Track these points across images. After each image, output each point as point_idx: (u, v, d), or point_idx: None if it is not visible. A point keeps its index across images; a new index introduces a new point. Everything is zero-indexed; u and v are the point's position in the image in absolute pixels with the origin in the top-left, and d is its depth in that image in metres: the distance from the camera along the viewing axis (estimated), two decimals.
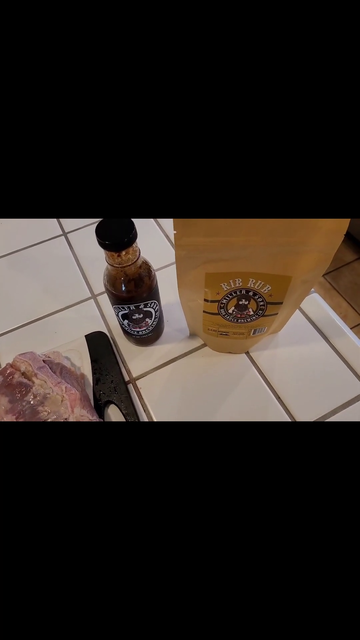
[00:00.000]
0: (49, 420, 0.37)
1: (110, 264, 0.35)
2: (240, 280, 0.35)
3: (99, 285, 0.54)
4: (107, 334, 0.48)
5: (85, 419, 0.37)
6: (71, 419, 0.37)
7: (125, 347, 0.48)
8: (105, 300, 0.52)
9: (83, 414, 0.38)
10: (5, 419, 0.38)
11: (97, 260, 0.56)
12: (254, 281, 0.35)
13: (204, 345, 0.47)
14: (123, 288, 0.37)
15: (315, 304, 0.50)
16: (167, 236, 0.59)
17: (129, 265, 0.35)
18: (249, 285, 0.35)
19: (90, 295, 0.53)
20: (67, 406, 0.37)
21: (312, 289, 0.51)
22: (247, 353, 0.46)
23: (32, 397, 0.38)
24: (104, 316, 0.51)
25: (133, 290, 0.37)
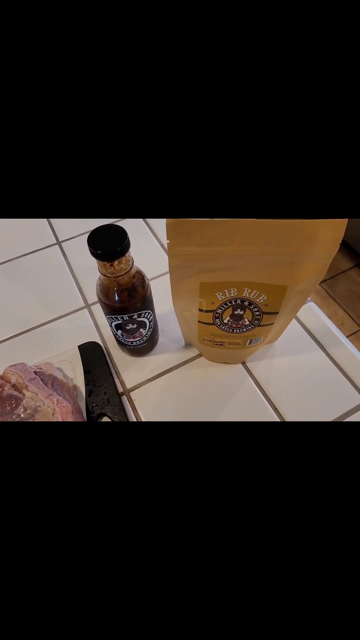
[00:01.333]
0: None
1: (102, 274, 0.34)
2: (235, 289, 0.34)
3: (93, 295, 0.53)
4: (101, 344, 0.47)
5: None
6: None
7: (119, 357, 0.47)
8: (99, 310, 0.51)
9: None
10: None
11: (91, 270, 0.56)
12: (249, 291, 0.34)
13: (200, 355, 0.46)
14: (116, 298, 0.37)
15: (312, 313, 0.49)
16: (161, 245, 0.58)
17: (122, 275, 0.35)
18: (244, 295, 0.35)
19: (84, 304, 0.52)
20: (59, 419, 0.36)
21: (308, 298, 0.51)
22: (244, 363, 0.45)
23: (22, 410, 0.37)
24: (97, 326, 0.50)
25: (126, 300, 0.37)
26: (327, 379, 0.43)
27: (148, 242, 0.59)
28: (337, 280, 1.59)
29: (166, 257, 0.57)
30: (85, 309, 0.52)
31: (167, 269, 0.55)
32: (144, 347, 0.44)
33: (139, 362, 0.46)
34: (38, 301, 0.53)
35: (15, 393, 0.38)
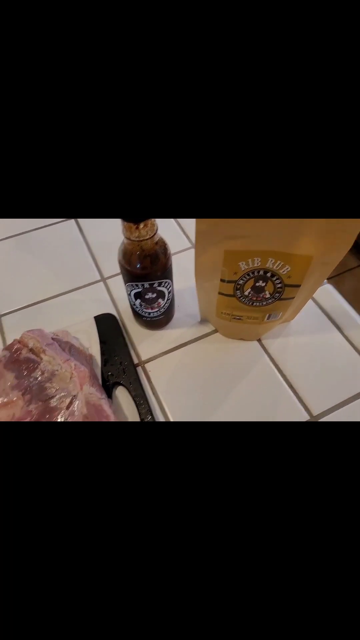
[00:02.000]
0: (56, 397, 0.36)
1: (127, 237, 0.34)
2: (260, 259, 0.34)
3: (109, 269, 0.53)
4: (117, 317, 0.47)
5: (94, 397, 0.36)
6: (80, 397, 0.36)
7: (134, 330, 0.47)
8: (115, 284, 0.51)
9: (92, 392, 0.36)
10: (11, 395, 0.37)
11: (107, 244, 0.56)
12: (274, 261, 0.34)
13: (215, 331, 0.46)
14: (138, 265, 0.36)
15: (328, 294, 0.49)
16: (178, 222, 0.58)
17: (146, 240, 0.34)
18: (267, 266, 0.34)
19: (99, 277, 0.52)
20: (76, 383, 0.36)
21: (325, 280, 0.50)
22: (259, 341, 0.45)
23: (39, 373, 0.37)
24: (113, 300, 0.50)
25: (149, 266, 0.36)
26: (343, 358, 0.43)
27: (165, 219, 0.59)
28: (344, 277, 1.58)
29: (183, 235, 0.57)
30: (101, 282, 0.51)
31: (184, 247, 0.55)
32: (160, 320, 0.44)
33: (154, 335, 0.46)
34: (54, 273, 0.53)
35: (33, 357, 0.38)
